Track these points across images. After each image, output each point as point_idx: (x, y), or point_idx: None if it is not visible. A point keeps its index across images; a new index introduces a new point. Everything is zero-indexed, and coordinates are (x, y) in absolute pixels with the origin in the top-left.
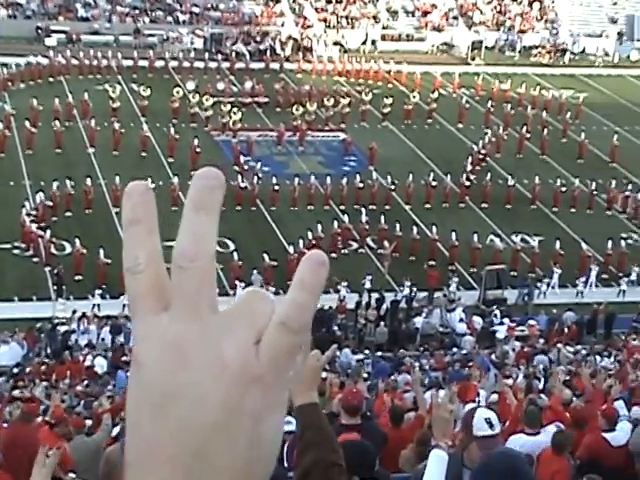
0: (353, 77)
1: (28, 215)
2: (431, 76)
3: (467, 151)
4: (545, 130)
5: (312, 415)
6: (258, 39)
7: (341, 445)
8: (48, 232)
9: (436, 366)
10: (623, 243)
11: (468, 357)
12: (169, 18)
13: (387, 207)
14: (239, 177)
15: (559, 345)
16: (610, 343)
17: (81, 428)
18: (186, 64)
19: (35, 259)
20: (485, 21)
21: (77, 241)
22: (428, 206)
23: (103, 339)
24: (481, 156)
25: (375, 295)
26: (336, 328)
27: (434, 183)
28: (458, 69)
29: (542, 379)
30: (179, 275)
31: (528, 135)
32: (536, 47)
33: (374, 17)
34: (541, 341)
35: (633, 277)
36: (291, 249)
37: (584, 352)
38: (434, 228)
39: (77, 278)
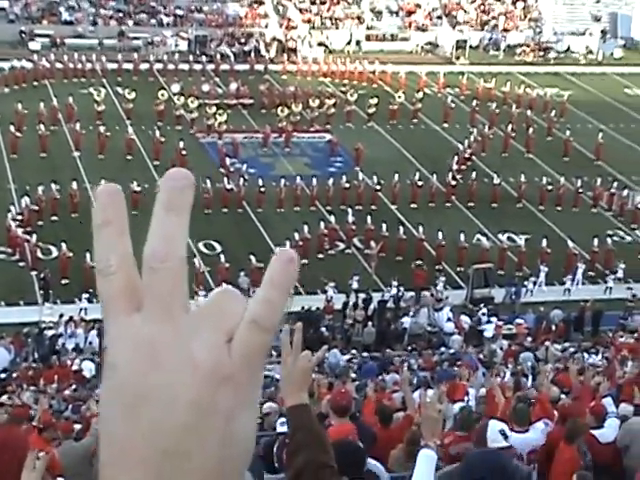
0: (338, 78)
1: (14, 220)
2: (416, 76)
3: (453, 150)
4: (530, 128)
5: (303, 416)
6: (242, 40)
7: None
8: (34, 236)
9: (424, 365)
10: (609, 240)
11: (456, 356)
12: (153, 21)
13: (373, 207)
14: (225, 179)
15: (547, 343)
16: (598, 340)
17: (69, 433)
18: (171, 66)
19: (21, 264)
20: (469, 20)
21: (63, 245)
22: (414, 206)
23: (90, 343)
24: (467, 155)
25: (362, 295)
26: (324, 329)
27: (420, 183)
28: (443, 69)
29: (530, 376)
30: (150, 276)
31: (513, 134)
32: (520, 46)
33: (358, 18)
34: (529, 339)
35: (619, 274)
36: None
37: (572, 349)
38: (420, 228)
39: (64, 282)
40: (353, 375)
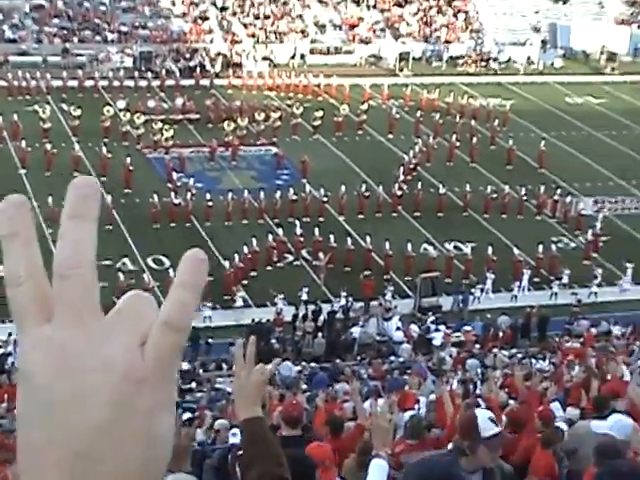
0: (283, 91)
1: None
2: (360, 88)
3: (398, 161)
4: (474, 138)
5: (257, 429)
6: (187, 56)
7: None
8: None
9: (374, 375)
10: (554, 247)
11: (406, 365)
12: (97, 37)
13: (321, 219)
14: (172, 194)
15: (495, 349)
16: (544, 346)
17: None
18: (116, 83)
19: None
20: (411, 33)
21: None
22: (361, 216)
23: None
24: (412, 165)
25: (312, 307)
26: (274, 341)
27: (367, 193)
28: (387, 80)
29: (478, 383)
30: (61, 284)
31: (457, 143)
32: (462, 57)
33: (302, 31)
34: (477, 346)
35: (564, 280)
36: (227, 264)
37: (519, 355)
38: (368, 238)
39: None
40: (304, 386)
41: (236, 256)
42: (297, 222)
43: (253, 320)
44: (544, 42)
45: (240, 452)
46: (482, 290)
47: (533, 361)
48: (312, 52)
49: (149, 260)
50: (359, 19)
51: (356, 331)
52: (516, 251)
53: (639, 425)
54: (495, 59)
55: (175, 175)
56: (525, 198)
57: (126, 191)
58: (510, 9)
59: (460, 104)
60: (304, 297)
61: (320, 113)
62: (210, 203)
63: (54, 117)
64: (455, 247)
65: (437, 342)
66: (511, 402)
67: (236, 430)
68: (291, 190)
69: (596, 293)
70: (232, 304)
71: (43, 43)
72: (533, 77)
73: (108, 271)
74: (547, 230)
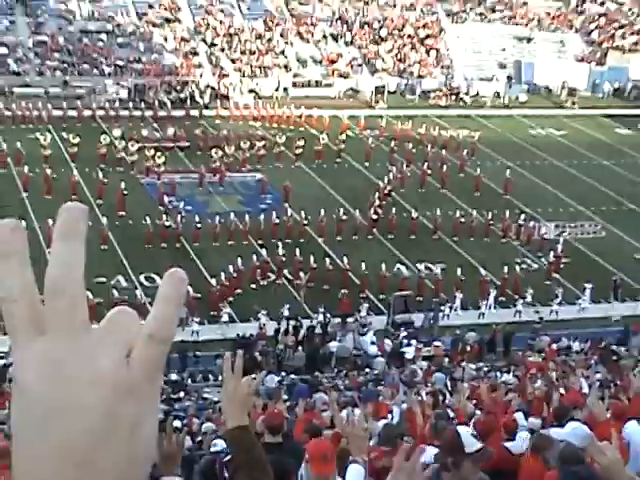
0: (267, 122)
1: None
2: (339, 119)
3: (374, 187)
4: (444, 166)
5: (243, 438)
6: (179, 88)
7: None
8: None
9: (351, 386)
10: (518, 268)
11: (380, 377)
12: (95, 71)
13: (301, 240)
14: (164, 216)
15: (463, 363)
16: (509, 360)
17: None
18: (112, 113)
19: None
20: (387, 68)
21: None
22: (339, 239)
23: None
24: (387, 191)
25: (293, 322)
26: (257, 354)
27: (344, 217)
28: (363, 112)
29: (447, 394)
30: (52, 300)
31: (429, 171)
32: (434, 91)
33: (285, 66)
34: (446, 360)
35: (528, 299)
36: (214, 282)
37: (486, 369)
38: (345, 259)
39: None
40: (285, 397)
41: (222, 275)
42: (279, 243)
43: (238, 334)
44: (510, 78)
45: (227, 458)
46: (451, 308)
47: (498, 374)
48: (294, 85)
49: (142, 278)
50: (338, 55)
51: (334, 345)
52: (483, 272)
53: (595, 434)
54: (466, 93)
55: (166, 199)
56: (491, 222)
57: (120, 213)
58: (478, 47)
59: (432, 135)
60: (285, 313)
61: (301, 142)
62: (199, 225)
63: (54, 144)
64: (426, 267)
65: (409, 356)
66: (477, 412)
67: (218, 440)
68: (274, 214)
69: (557, 311)
70: (218, 319)
71: (45, 76)
72: (499, 110)
73: (103, 287)
74: (511, 252)
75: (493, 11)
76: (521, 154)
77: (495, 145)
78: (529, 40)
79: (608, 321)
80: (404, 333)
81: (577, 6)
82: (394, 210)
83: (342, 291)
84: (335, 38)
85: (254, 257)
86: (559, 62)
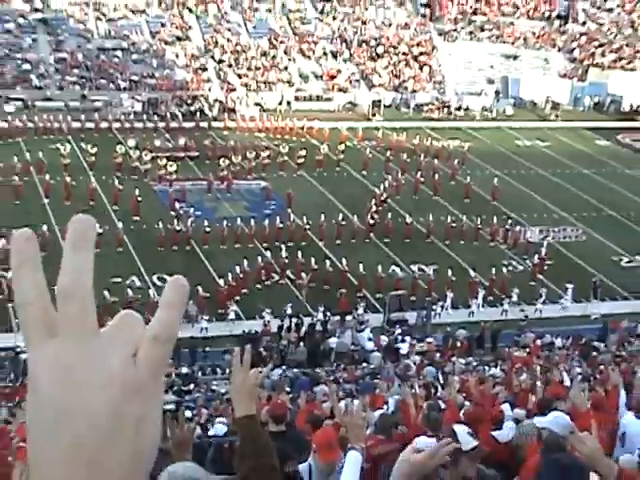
0: (271, 133)
1: None
2: (338, 131)
3: (370, 194)
4: (436, 175)
5: (250, 426)
6: (189, 102)
7: None
8: (10, 273)
9: (349, 379)
10: (505, 270)
11: (376, 370)
12: (111, 85)
13: (303, 244)
14: (175, 221)
15: (453, 358)
16: (496, 355)
17: None
18: (127, 124)
19: None
20: (383, 83)
21: None
22: (338, 242)
23: None
24: (383, 198)
25: (295, 320)
26: (262, 349)
27: (343, 222)
28: (361, 124)
29: (439, 387)
30: (64, 306)
31: (422, 179)
32: (427, 104)
33: (288, 81)
34: (438, 355)
35: (514, 298)
36: (221, 282)
37: (474, 363)
38: (344, 260)
39: None
40: (288, 389)
41: (229, 275)
42: (283, 246)
43: (244, 331)
44: (497, 92)
45: (235, 444)
46: (442, 307)
47: (486, 368)
48: (297, 99)
49: (154, 278)
50: (337, 71)
51: (333, 341)
52: (472, 273)
53: (576, 424)
54: (458, 108)
55: (177, 205)
56: (480, 227)
57: (135, 218)
58: (468, 64)
59: (425, 145)
60: (288, 311)
61: (303, 152)
62: (208, 229)
63: (73, 154)
64: (419, 269)
65: (403, 351)
66: (467, 404)
67: (219, 424)
68: (278, 219)
69: (541, 310)
70: (226, 317)
71: (65, 90)
72: (488, 123)
73: (118, 287)
74: (498, 255)
75: (482, 30)
76: (508, 163)
77: (484, 155)
78: (515, 57)
79: (588, 319)
80: (399, 330)
81: (560, 26)
82: (390, 215)
83: (341, 291)
84: (335, 55)
85: (259, 259)
86: (543, 78)
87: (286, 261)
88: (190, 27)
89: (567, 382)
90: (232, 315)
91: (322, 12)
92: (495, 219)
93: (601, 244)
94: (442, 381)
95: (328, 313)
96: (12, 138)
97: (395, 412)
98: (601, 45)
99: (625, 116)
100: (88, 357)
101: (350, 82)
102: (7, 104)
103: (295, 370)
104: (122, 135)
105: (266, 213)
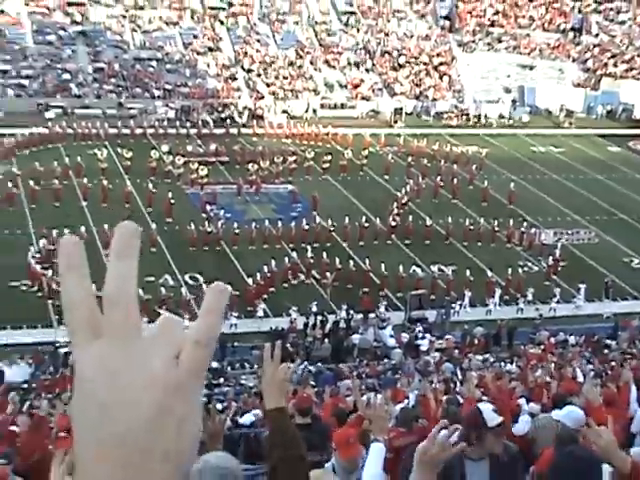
0: (298, 139)
1: (33, 257)
2: (361, 137)
3: (392, 198)
4: (455, 179)
5: (279, 418)
6: (220, 109)
7: None
8: (50, 271)
9: (371, 374)
10: (520, 270)
11: (397, 366)
12: (146, 94)
13: (328, 245)
14: (206, 223)
15: (470, 355)
16: (512, 352)
17: None
18: (161, 131)
19: (39, 294)
20: (404, 92)
21: None
22: (361, 243)
23: None
24: (404, 201)
25: (320, 317)
26: (289, 345)
27: (366, 224)
28: (383, 131)
29: (458, 382)
30: (109, 310)
31: (442, 183)
32: (446, 112)
33: (314, 90)
34: (456, 352)
35: (529, 297)
36: (250, 281)
37: (491, 360)
38: (367, 261)
39: None
40: (312, 383)
41: (258, 275)
42: (308, 247)
43: (271, 328)
44: (514, 101)
45: (260, 435)
46: (461, 305)
47: (503, 364)
48: (322, 107)
49: (186, 277)
50: (361, 80)
51: (356, 338)
52: (489, 273)
53: (591, 419)
54: (476, 115)
55: (208, 207)
56: (497, 229)
57: (168, 220)
58: (486, 73)
59: (444, 151)
60: (314, 309)
61: (328, 157)
62: (237, 231)
63: (110, 159)
64: (439, 269)
65: (423, 348)
66: (484, 398)
67: (247, 416)
68: (304, 221)
69: (555, 309)
70: (254, 314)
71: (102, 98)
72: (504, 130)
73: (152, 286)
74: (514, 256)
75: (500, 42)
76: (524, 169)
77: (501, 161)
78: (531, 68)
79: (600, 318)
80: (419, 327)
81: (574, 38)
82: (410, 218)
83: (364, 290)
84: (358, 65)
85: (286, 259)
86: (558, 87)
87: (311, 261)
88: (221, 38)
89: (580, 378)
90: (260, 312)
91: (347, 24)
92: (511, 222)
93: (613, 246)
94: (460, 377)
95: (351, 311)
96: (52, 143)
97: (415, 406)
98: (613, 56)
99: (636, 124)
100: (131, 360)
101: (373, 91)
102: (48, 111)
103: (319, 365)
104: (156, 141)
105: (293, 215)
